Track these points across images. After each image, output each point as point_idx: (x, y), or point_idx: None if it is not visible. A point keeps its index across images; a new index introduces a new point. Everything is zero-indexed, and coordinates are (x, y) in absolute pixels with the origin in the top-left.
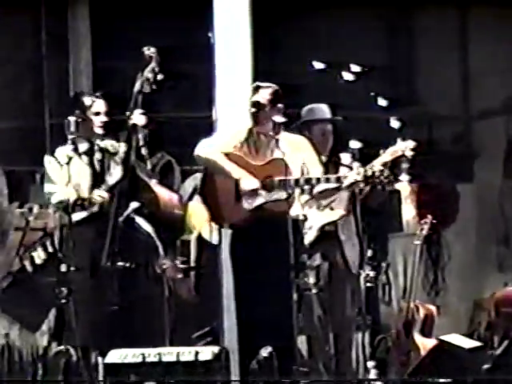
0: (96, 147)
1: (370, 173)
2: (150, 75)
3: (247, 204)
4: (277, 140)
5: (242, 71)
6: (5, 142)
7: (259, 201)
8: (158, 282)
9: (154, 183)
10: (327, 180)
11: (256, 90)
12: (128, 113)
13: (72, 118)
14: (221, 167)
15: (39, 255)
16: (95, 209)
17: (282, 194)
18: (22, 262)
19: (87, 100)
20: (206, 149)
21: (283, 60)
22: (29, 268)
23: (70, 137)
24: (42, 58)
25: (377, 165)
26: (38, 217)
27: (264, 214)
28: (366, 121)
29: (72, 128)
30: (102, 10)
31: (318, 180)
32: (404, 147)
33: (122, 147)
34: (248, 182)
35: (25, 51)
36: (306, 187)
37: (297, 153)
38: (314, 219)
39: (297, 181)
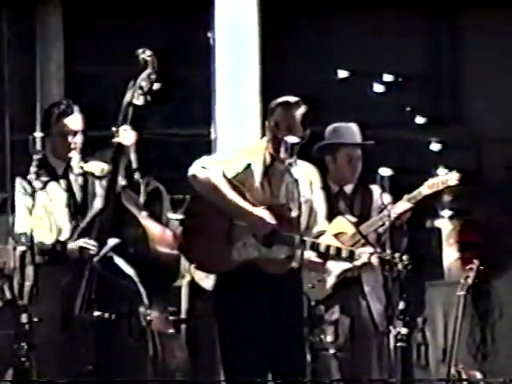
0: (77, 170)
1: (388, 257)
2: (145, 84)
3: (237, 253)
4: (290, 169)
5: (247, 79)
6: None
7: (252, 254)
8: (143, 336)
9: (143, 216)
10: (338, 252)
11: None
12: (114, 129)
13: (38, 134)
14: (223, 195)
15: None
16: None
17: (281, 253)
18: None
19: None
20: (205, 169)
21: (298, 67)
22: None
23: (35, 157)
24: (2, 60)
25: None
26: None
27: (255, 269)
28: (400, 142)
29: (38, 146)
30: (77, 4)
31: (327, 249)
32: (446, 180)
33: (106, 167)
34: (266, 216)
35: None
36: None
37: (306, 191)
38: (334, 264)
39: (302, 241)
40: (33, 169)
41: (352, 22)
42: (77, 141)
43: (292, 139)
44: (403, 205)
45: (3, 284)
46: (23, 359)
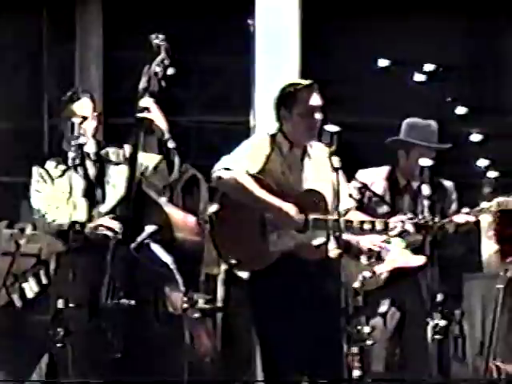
0: (92, 156)
1: (423, 222)
2: (159, 69)
3: (273, 245)
4: (308, 152)
5: (287, 66)
6: None
7: (288, 244)
8: (174, 325)
9: (163, 202)
10: (372, 225)
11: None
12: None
13: (76, 120)
14: (250, 193)
15: (31, 287)
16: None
17: (318, 239)
18: (10, 295)
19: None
20: (228, 169)
21: (338, 55)
22: (17, 303)
23: (73, 143)
24: (42, 45)
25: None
26: (30, 240)
27: (294, 259)
28: (441, 133)
29: (76, 131)
30: None
31: (362, 225)
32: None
33: (127, 151)
34: (294, 212)
35: (23, 38)
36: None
37: (327, 173)
38: (389, 259)
39: (336, 221)
40: (71, 154)
41: (394, 11)
42: (86, 126)
43: (332, 128)
44: (466, 217)
45: (39, 270)
46: (59, 345)
